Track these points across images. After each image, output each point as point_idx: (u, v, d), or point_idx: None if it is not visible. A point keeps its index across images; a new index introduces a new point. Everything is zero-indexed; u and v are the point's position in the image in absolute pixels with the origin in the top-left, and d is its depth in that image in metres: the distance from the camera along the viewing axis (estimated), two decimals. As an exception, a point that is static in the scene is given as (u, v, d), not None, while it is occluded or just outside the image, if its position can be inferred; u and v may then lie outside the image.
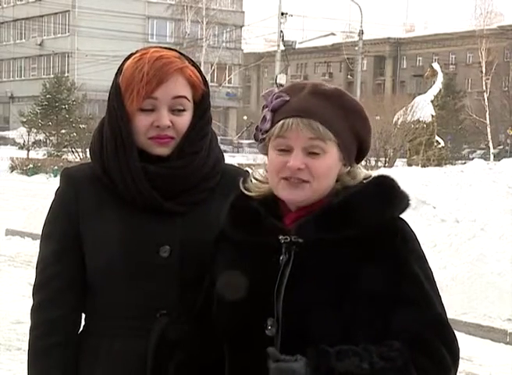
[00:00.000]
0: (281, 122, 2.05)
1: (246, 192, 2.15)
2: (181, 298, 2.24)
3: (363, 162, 2.21)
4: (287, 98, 2.08)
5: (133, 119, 2.25)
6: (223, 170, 2.36)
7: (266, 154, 2.12)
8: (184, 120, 2.27)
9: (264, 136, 2.10)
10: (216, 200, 2.28)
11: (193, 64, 2.31)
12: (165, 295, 2.24)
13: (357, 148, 2.12)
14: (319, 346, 1.91)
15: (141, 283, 2.24)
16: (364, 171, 2.13)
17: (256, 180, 2.17)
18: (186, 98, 2.26)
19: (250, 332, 2.04)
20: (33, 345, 2.30)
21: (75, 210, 2.28)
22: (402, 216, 2.11)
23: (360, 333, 1.97)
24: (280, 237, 2.05)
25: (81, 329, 2.36)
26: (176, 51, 2.33)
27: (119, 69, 2.31)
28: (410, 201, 2.10)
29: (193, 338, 2.18)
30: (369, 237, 2.02)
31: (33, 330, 2.31)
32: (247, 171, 2.36)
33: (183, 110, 2.26)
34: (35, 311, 2.31)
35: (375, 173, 2.14)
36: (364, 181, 2.10)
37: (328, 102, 2.07)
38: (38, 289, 2.32)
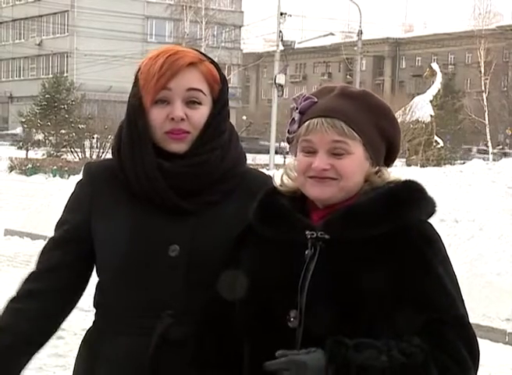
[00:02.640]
0: (307, 122, 2.11)
1: (279, 187, 2.20)
2: (188, 299, 2.23)
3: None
4: (315, 100, 2.15)
5: (149, 113, 2.25)
6: (245, 173, 2.35)
7: (295, 155, 2.16)
8: (200, 114, 2.26)
9: (292, 136, 2.16)
10: (234, 202, 2.27)
11: (212, 62, 2.33)
12: (171, 295, 2.23)
13: (386, 148, 2.16)
14: (337, 337, 1.93)
15: (148, 282, 2.23)
16: (394, 174, 2.16)
17: (287, 176, 2.21)
18: (201, 91, 2.26)
19: (273, 324, 2.06)
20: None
21: (88, 207, 2.30)
22: None
23: (382, 330, 1.99)
24: (307, 233, 2.08)
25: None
26: (195, 50, 2.34)
27: (139, 67, 2.32)
28: (436, 207, 2.14)
29: (202, 338, 2.19)
30: (395, 238, 2.05)
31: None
32: (270, 176, 2.39)
33: (199, 103, 2.26)
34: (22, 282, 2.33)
35: (404, 177, 2.17)
36: (392, 184, 2.12)
37: (353, 102, 2.12)
38: (34, 268, 2.33)
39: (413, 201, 2.09)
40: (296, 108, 2.16)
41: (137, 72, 2.30)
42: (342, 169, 2.07)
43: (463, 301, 2.08)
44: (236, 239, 2.22)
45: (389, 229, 2.05)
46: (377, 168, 2.13)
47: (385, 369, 1.90)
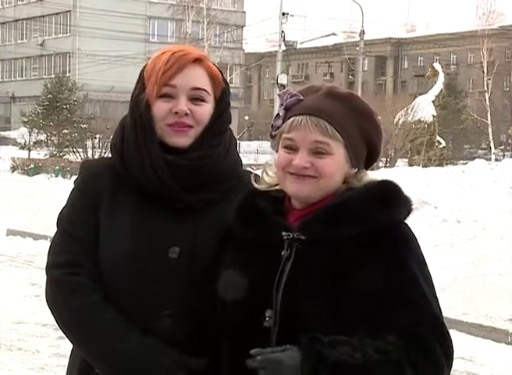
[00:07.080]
0: (291, 119, 2.12)
1: (256, 185, 2.20)
2: (187, 299, 2.23)
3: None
4: (301, 98, 2.15)
5: (152, 107, 2.26)
6: (241, 176, 2.36)
7: (277, 150, 2.17)
8: (204, 110, 2.28)
9: (276, 132, 2.16)
10: (232, 203, 2.26)
11: (214, 65, 2.34)
12: (170, 296, 2.22)
13: (366, 151, 2.16)
14: (313, 334, 1.94)
15: (147, 283, 2.23)
16: (371, 176, 2.17)
17: (267, 174, 2.22)
18: (205, 90, 2.28)
19: (250, 324, 2.08)
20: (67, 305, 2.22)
21: (97, 202, 2.28)
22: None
23: (356, 330, 2.00)
24: (283, 234, 2.09)
25: None
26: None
27: (145, 66, 2.34)
28: (412, 206, 2.14)
29: (195, 339, 2.19)
30: (370, 238, 2.06)
31: (58, 293, 2.24)
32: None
33: (203, 101, 2.28)
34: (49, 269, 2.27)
35: (379, 178, 2.17)
36: (368, 185, 2.13)
37: (339, 103, 2.12)
38: (52, 262, 2.26)
39: (387, 202, 2.09)
40: (282, 104, 2.16)
41: (142, 70, 2.32)
42: (322, 168, 2.08)
43: (437, 300, 2.09)
44: (219, 241, 2.22)
45: (363, 229, 2.05)
46: (356, 170, 2.14)
47: (360, 365, 1.92)
